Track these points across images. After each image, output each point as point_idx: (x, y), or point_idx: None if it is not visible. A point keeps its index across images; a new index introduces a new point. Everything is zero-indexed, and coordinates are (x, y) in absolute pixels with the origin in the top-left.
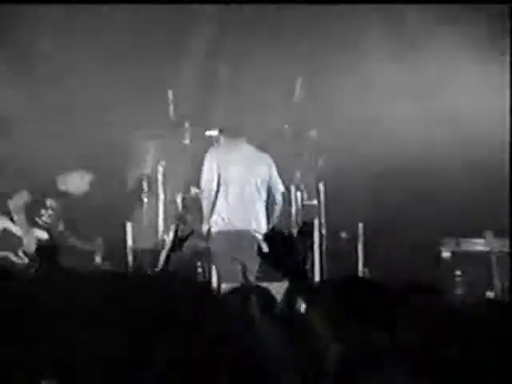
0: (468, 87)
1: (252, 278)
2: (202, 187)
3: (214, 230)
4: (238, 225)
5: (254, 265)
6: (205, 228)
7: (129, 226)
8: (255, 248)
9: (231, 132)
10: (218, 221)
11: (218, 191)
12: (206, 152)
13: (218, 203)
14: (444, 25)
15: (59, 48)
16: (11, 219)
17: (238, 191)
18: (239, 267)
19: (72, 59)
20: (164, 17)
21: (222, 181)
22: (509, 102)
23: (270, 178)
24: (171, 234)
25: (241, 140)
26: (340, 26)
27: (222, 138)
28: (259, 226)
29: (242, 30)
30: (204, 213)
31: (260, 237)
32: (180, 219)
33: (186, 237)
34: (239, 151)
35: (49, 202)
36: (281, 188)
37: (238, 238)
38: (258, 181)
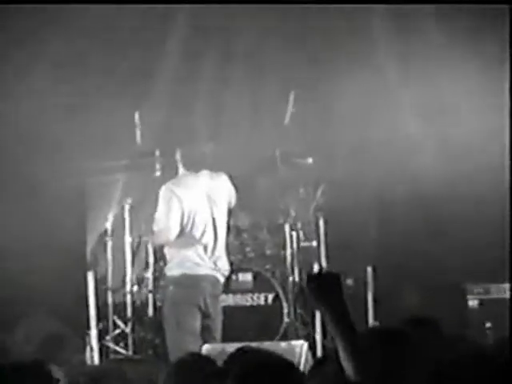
0: (467, 90)
1: (218, 335)
2: (160, 228)
3: (169, 274)
4: (201, 268)
5: (218, 314)
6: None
7: (90, 277)
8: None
9: (192, 163)
10: (174, 265)
11: (180, 232)
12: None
13: (179, 246)
14: (443, 25)
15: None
16: None
17: (202, 230)
18: (199, 321)
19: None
20: (132, 29)
21: (186, 220)
22: (508, 105)
23: (230, 203)
24: None
25: (201, 172)
26: (337, 42)
27: (180, 170)
28: (224, 265)
29: (225, 40)
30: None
31: (223, 279)
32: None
33: None
34: (199, 184)
35: None
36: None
37: (199, 283)
38: (221, 214)
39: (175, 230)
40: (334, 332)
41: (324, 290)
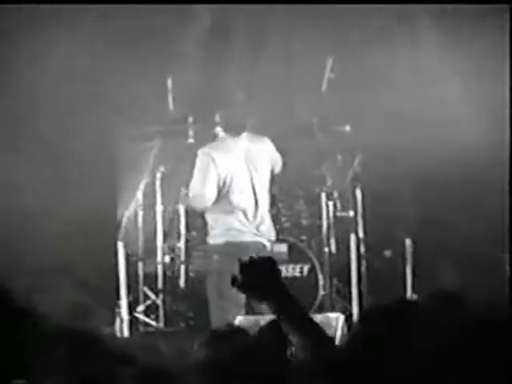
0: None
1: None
2: (195, 194)
3: (213, 243)
4: (245, 235)
5: None
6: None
7: (121, 247)
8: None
9: (231, 126)
10: (218, 233)
11: (217, 198)
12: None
13: (218, 212)
14: (443, 25)
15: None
16: None
17: (242, 195)
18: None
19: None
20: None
21: (222, 185)
22: (508, 106)
23: (274, 167)
24: None
25: (241, 135)
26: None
27: (220, 133)
28: (268, 231)
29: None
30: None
31: (269, 245)
32: None
33: None
34: (239, 147)
35: None
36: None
37: (244, 251)
38: (261, 178)
39: (211, 197)
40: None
41: (259, 278)
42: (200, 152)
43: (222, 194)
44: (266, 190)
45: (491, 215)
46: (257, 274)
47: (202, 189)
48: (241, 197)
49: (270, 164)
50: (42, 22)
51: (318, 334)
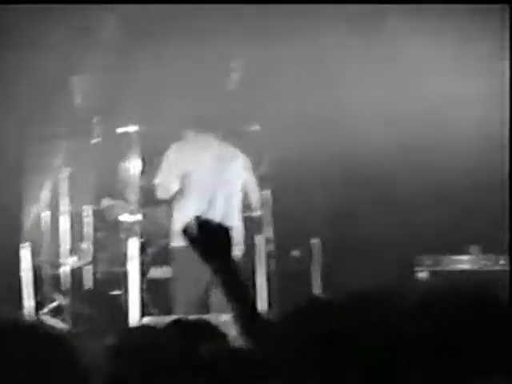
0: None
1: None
2: (159, 183)
3: (173, 244)
4: None
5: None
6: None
7: (25, 248)
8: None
9: (200, 126)
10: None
11: (180, 195)
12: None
13: (178, 210)
14: (443, 24)
15: None
16: None
17: (205, 196)
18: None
19: None
20: None
21: (185, 183)
22: (508, 105)
23: (245, 180)
24: None
25: (211, 136)
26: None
27: (188, 133)
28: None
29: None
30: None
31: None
32: None
33: None
34: (208, 148)
35: None
36: (256, 192)
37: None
38: (231, 185)
39: (172, 189)
40: (224, 292)
41: (214, 237)
42: (172, 146)
43: (185, 188)
44: (235, 194)
45: (399, 218)
46: (212, 233)
47: (165, 179)
48: (203, 195)
49: (242, 169)
50: None
51: (250, 305)
